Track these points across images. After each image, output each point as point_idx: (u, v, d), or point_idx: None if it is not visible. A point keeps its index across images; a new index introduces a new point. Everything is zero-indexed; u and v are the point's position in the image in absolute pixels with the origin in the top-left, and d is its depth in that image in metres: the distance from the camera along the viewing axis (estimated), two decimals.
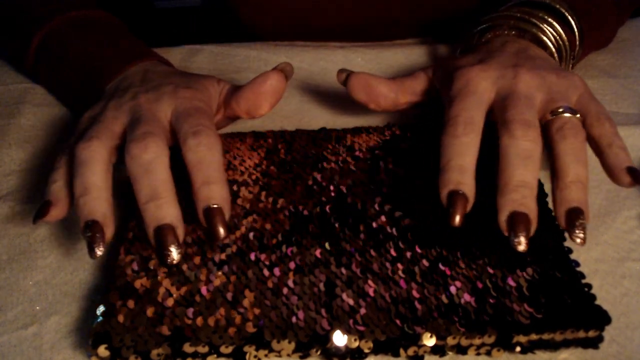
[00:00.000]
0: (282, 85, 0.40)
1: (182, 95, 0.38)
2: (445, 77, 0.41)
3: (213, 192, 0.33)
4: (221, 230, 0.33)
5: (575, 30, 0.45)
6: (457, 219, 0.32)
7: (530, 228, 0.32)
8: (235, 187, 0.39)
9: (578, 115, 0.36)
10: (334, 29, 0.53)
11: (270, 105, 0.40)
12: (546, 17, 0.44)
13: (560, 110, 0.36)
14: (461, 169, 0.34)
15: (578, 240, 0.32)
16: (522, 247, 0.32)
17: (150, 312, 0.31)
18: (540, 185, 0.39)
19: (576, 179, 0.33)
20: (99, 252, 0.32)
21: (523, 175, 0.33)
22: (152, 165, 0.33)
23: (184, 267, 0.34)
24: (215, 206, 0.33)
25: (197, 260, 0.34)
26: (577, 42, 0.46)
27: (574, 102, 0.37)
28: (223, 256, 0.34)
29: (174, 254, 0.32)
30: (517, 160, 0.33)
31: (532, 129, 0.34)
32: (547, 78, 0.38)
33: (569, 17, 0.45)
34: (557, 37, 0.44)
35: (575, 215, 0.32)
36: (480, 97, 0.37)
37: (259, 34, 0.60)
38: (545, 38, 0.44)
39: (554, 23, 0.44)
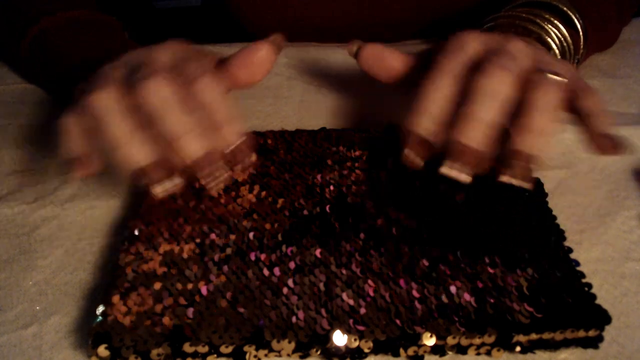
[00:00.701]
0: (272, 57, 0.39)
1: (176, 43, 0.38)
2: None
3: (231, 130, 0.35)
4: (252, 156, 0.35)
5: (580, 31, 0.45)
6: (411, 156, 0.34)
7: (476, 163, 0.33)
8: (235, 187, 0.39)
9: (560, 79, 0.35)
10: (333, 29, 0.54)
11: (260, 76, 0.40)
12: (551, 18, 0.44)
13: (544, 70, 0.35)
14: (430, 113, 0.34)
15: (502, 178, 0.33)
16: (445, 171, 0.33)
17: (150, 311, 0.31)
18: (540, 185, 0.39)
19: (536, 130, 0.33)
20: (161, 189, 0.34)
21: (480, 111, 0.33)
22: (169, 102, 0.33)
23: (184, 267, 0.34)
24: (233, 142, 0.35)
25: (197, 260, 0.34)
26: (582, 44, 0.46)
27: (563, 71, 0.36)
28: (223, 256, 0.34)
29: (222, 176, 0.34)
30: (481, 96, 0.33)
31: (507, 73, 0.33)
32: (539, 53, 0.37)
33: (574, 19, 0.45)
34: (562, 39, 0.44)
35: (520, 158, 0.33)
36: (465, 54, 0.36)
37: (257, 33, 0.60)
38: (549, 39, 0.44)
39: (559, 24, 0.44)
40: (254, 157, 0.34)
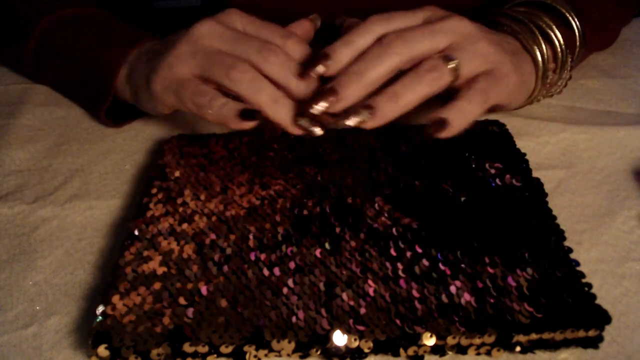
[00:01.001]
0: (311, 31, 0.44)
1: (235, 11, 0.41)
2: None
3: (305, 79, 0.38)
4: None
5: (577, 32, 0.45)
6: (316, 111, 0.36)
7: (334, 104, 0.36)
8: (235, 187, 0.39)
9: (451, 65, 0.37)
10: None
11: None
12: (545, 18, 0.44)
13: (442, 55, 0.38)
14: (346, 42, 0.38)
15: (346, 121, 0.36)
16: (314, 111, 0.36)
17: (150, 311, 0.31)
18: (540, 185, 0.39)
19: (392, 91, 0.36)
20: (319, 130, 0.37)
21: (363, 67, 0.37)
22: (257, 80, 0.37)
23: (184, 267, 0.34)
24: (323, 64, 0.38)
25: (197, 260, 0.34)
26: (578, 43, 0.46)
27: (474, 67, 0.39)
28: (223, 256, 0.34)
29: (317, 130, 0.37)
30: (368, 57, 0.37)
31: (401, 42, 0.37)
32: (478, 39, 0.39)
33: (570, 18, 0.45)
34: (555, 42, 0.44)
35: (362, 107, 0.36)
36: (407, 20, 0.39)
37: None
38: (533, 45, 0.43)
39: (552, 24, 0.44)
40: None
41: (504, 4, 0.48)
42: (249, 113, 0.37)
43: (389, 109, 0.36)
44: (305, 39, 0.43)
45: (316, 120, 0.36)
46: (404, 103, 0.36)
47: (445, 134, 0.36)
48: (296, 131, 0.37)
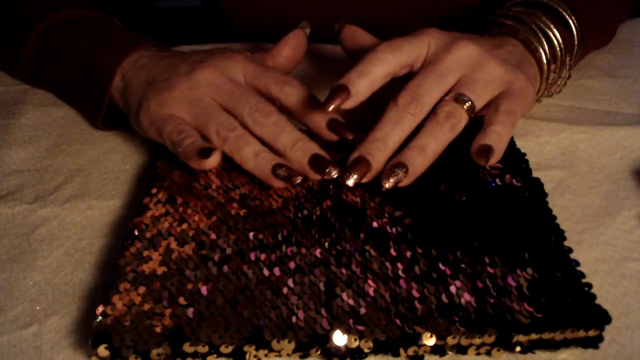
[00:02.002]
0: (305, 39, 0.47)
1: (239, 59, 0.42)
2: None
3: (325, 112, 0.39)
4: (348, 133, 0.39)
5: (574, 30, 0.45)
6: (352, 183, 0.37)
7: (366, 174, 0.37)
8: (235, 188, 0.39)
9: (467, 106, 0.38)
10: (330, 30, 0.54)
11: (300, 56, 0.47)
12: (543, 17, 0.44)
13: (454, 96, 0.39)
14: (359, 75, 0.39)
15: (384, 185, 0.37)
16: (349, 183, 0.37)
17: (150, 311, 0.31)
18: (540, 185, 0.39)
19: (420, 145, 0.37)
20: (299, 179, 0.37)
21: (385, 134, 0.38)
22: (280, 123, 0.39)
23: (184, 267, 0.34)
24: (333, 118, 0.40)
25: (197, 260, 0.34)
26: (576, 43, 0.46)
27: (489, 94, 0.40)
28: (223, 256, 0.34)
29: (333, 171, 0.37)
30: (388, 122, 0.38)
31: (415, 103, 0.38)
32: (486, 61, 0.40)
33: (568, 18, 0.45)
34: (553, 40, 0.44)
35: (396, 167, 0.37)
36: (386, 63, 0.40)
37: (250, 35, 0.60)
38: (534, 40, 0.43)
39: (550, 24, 0.44)
40: (350, 134, 0.39)
41: (502, 3, 0.48)
42: (205, 151, 0.38)
43: (420, 164, 0.37)
44: (300, 48, 0.46)
45: (293, 172, 0.37)
46: (431, 155, 0.38)
47: (492, 160, 0.38)
48: (276, 183, 0.38)
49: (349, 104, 0.38)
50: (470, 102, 0.38)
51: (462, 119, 0.38)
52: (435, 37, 0.41)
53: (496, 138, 0.38)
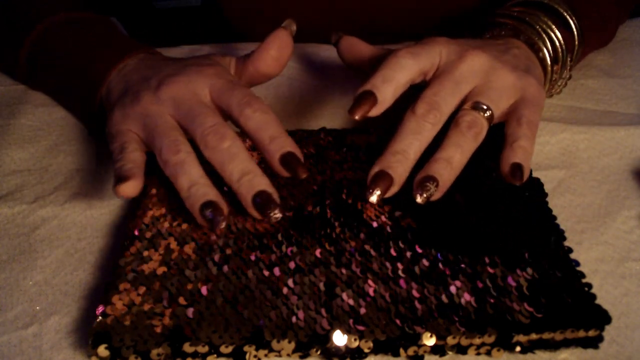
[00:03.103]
0: (290, 40, 0.43)
1: (209, 73, 0.40)
2: None
3: (282, 142, 0.36)
4: (301, 170, 0.36)
5: (575, 30, 0.45)
6: (375, 199, 0.36)
7: (389, 188, 0.36)
8: (281, 212, 0.39)
9: (487, 115, 0.37)
10: (329, 30, 0.54)
11: (285, 61, 0.43)
12: (544, 18, 0.44)
13: (473, 105, 0.38)
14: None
15: (417, 200, 0.35)
16: (372, 199, 0.35)
17: (150, 311, 0.31)
18: (540, 185, 0.39)
19: (446, 157, 0.36)
20: (223, 224, 0.35)
21: (406, 146, 0.36)
22: (233, 149, 0.36)
23: (184, 267, 0.34)
24: (288, 151, 0.36)
25: (197, 260, 0.34)
26: (577, 43, 0.46)
27: (506, 102, 0.39)
28: (223, 256, 0.34)
29: (277, 214, 0.35)
30: (407, 133, 0.36)
31: (434, 112, 0.37)
32: (498, 69, 0.39)
33: (568, 18, 0.45)
34: (554, 40, 0.44)
35: (427, 181, 0.35)
36: (408, 69, 0.38)
37: (249, 34, 0.60)
38: (538, 40, 0.44)
39: (551, 24, 0.44)
40: (303, 172, 0.36)
41: (501, 3, 0.48)
42: (119, 180, 0.36)
43: (448, 176, 0.36)
44: (285, 49, 0.42)
45: (217, 218, 0.35)
46: (458, 166, 0.36)
47: (525, 176, 0.36)
48: (202, 223, 0.35)
49: (375, 111, 0.37)
50: (490, 111, 0.37)
51: (484, 128, 0.37)
52: (446, 46, 0.40)
53: (524, 154, 0.37)
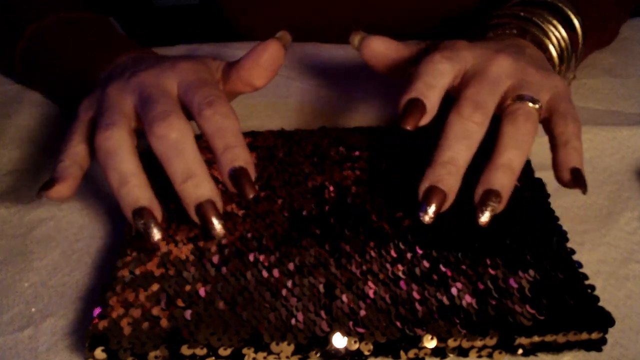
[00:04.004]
0: (281, 53, 0.39)
1: (183, 67, 0.37)
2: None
3: (236, 155, 0.34)
4: (249, 189, 0.33)
5: (579, 30, 0.45)
6: (429, 217, 0.34)
7: (443, 203, 0.33)
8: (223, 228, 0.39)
9: (537, 106, 0.35)
10: (328, 29, 0.54)
11: (272, 74, 0.39)
12: (549, 17, 0.44)
13: (521, 97, 0.35)
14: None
15: (480, 219, 0.33)
16: (427, 219, 0.33)
17: (147, 314, 0.31)
18: (542, 185, 0.39)
19: (507, 163, 0.33)
20: (157, 235, 0.33)
21: (455, 153, 0.34)
22: (180, 144, 0.33)
23: (182, 268, 0.33)
24: (239, 166, 0.33)
25: (195, 261, 0.34)
26: (580, 42, 0.46)
27: (544, 98, 0.37)
28: (221, 257, 0.34)
29: (218, 227, 0.33)
30: (455, 138, 0.34)
31: (480, 111, 0.34)
32: (526, 69, 0.37)
33: (573, 17, 0.45)
34: (559, 38, 0.44)
35: (489, 197, 0.33)
36: (448, 75, 0.36)
37: (250, 34, 0.60)
38: (545, 39, 0.43)
39: (557, 23, 0.44)
40: (250, 192, 0.33)
41: (501, 3, 0.48)
42: (48, 183, 0.34)
43: (509, 184, 0.33)
44: (274, 61, 0.39)
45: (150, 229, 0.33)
46: (519, 169, 0.34)
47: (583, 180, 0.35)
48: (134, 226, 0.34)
49: (426, 120, 0.35)
50: (538, 103, 0.35)
51: (537, 120, 0.35)
52: (471, 50, 0.38)
53: (579, 156, 0.35)
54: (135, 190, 0.33)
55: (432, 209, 0.33)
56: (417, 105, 0.34)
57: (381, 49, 0.40)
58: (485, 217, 0.33)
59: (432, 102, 0.35)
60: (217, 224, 0.33)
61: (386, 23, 0.60)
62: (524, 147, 0.34)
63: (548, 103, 0.37)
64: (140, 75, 0.37)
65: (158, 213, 0.33)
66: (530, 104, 0.35)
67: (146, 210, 0.33)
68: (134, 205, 0.33)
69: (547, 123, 0.37)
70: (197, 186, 0.33)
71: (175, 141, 0.33)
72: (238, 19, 0.62)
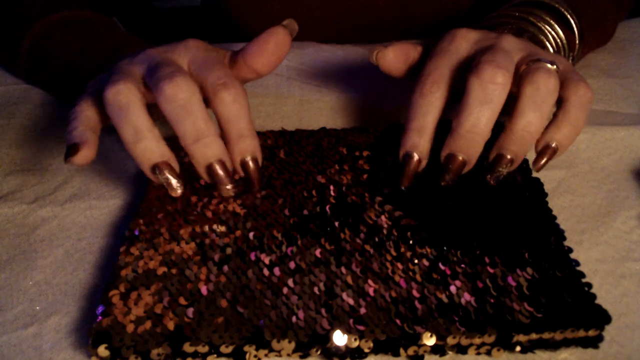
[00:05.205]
0: (288, 39, 0.39)
1: (194, 45, 0.38)
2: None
3: (247, 144, 0.35)
4: (255, 181, 0.36)
5: (575, 30, 0.45)
6: (407, 179, 0.37)
7: (462, 170, 0.35)
8: (234, 188, 0.39)
9: (555, 67, 0.34)
10: (330, 29, 0.54)
11: (278, 61, 0.39)
12: (545, 17, 0.44)
13: (538, 59, 0.35)
14: (420, 130, 0.36)
15: (490, 181, 0.35)
16: (443, 183, 0.36)
17: (150, 311, 0.31)
18: (540, 185, 0.39)
19: (525, 128, 0.33)
20: (179, 188, 0.34)
21: (478, 120, 0.33)
22: (189, 104, 0.33)
23: (184, 267, 0.34)
24: (250, 158, 0.35)
25: (197, 259, 0.34)
26: (577, 42, 0.46)
27: (560, 65, 0.36)
28: (223, 256, 0.34)
29: (228, 186, 0.35)
30: (477, 103, 0.33)
31: (501, 71, 0.33)
32: (531, 46, 0.37)
33: (569, 17, 0.45)
34: (556, 38, 0.44)
35: (499, 162, 0.34)
36: (456, 56, 0.37)
37: (251, 35, 0.60)
38: (543, 38, 0.44)
39: (553, 23, 0.44)
40: (258, 182, 0.36)
41: (500, 3, 0.48)
42: (71, 148, 0.34)
43: (523, 149, 0.34)
44: (281, 47, 0.39)
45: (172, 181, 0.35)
46: (537, 133, 0.34)
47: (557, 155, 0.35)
48: (153, 179, 0.35)
49: (422, 167, 0.37)
50: (556, 64, 0.34)
51: (558, 80, 0.34)
52: (471, 35, 0.38)
53: (568, 131, 0.35)
54: (153, 145, 0.33)
55: (451, 176, 0.35)
56: (410, 162, 0.37)
57: (391, 58, 0.40)
58: (494, 180, 0.34)
59: (423, 149, 0.36)
60: (228, 184, 0.34)
61: (386, 21, 0.60)
62: (544, 108, 0.33)
63: (562, 72, 0.36)
64: (150, 51, 0.37)
65: (176, 166, 0.34)
66: (547, 63, 0.34)
67: (166, 165, 0.34)
68: (153, 161, 0.33)
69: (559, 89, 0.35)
70: (206, 146, 0.33)
71: (184, 101, 0.33)
72: (237, 14, 0.62)
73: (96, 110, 0.37)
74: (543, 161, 0.35)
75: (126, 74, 0.35)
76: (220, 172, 0.34)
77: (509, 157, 0.34)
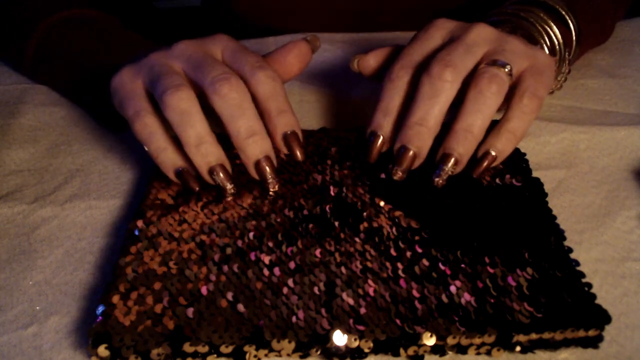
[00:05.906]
0: (309, 53, 0.42)
1: (223, 37, 0.40)
2: None
3: (288, 119, 0.37)
4: (299, 152, 0.38)
5: (572, 28, 0.46)
6: (372, 156, 0.39)
7: (413, 163, 0.37)
8: (235, 188, 0.39)
9: (506, 69, 0.36)
10: (333, 24, 0.54)
11: (297, 72, 0.42)
12: (543, 15, 0.44)
13: (493, 61, 0.36)
14: (385, 111, 0.38)
15: (436, 180, 0.37)
16: (396, 177, 0.37)
17: (150, 311, 0.31)
18: (540, 185, 0.39)
19: (466, 128, 0.36)
20: (232, 190, 0.37)
21: (425, 113, 0.36)
22: (243, 103, 0.36)
23: (184, 267, 0.34)
24: (292, 130, 0.37)
25: (197, 260, 0.34)
26: (574, 41, 0.46)
27: (521, 65, 0.38)
28: (223, 256, 0.34)
29: (273, 182, 0.37)
30: (424, 98, 0.36)
31: (450, 69, 0.35)
32: (506, 37, 0.38)
33: (566, 16, 0.45)
34: (553, 36, 0.44)
35: (444, 160, 0.36)
36: (428, 44, 0.39)
37: (250, 23, 0.60)
38: (538, 36, 0.44)
39: (550, 22, 0.44)
40: (300, 154, 0.38)
41: (494, 3, 0.48)
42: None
43: (468, 148, 0.36)
44: (302, 58, 0.41)
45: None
46: (480, 132, 0.36)
47: (499, 161, 0.37)
48: (207, 178, 0.37)
49: (387, 146, 0.40)
50: (509, 66, 0.36)
51: (505, 84, 0.36)
52: (448, 24, 0.40)
53: (507, 141, 0.37)
54: (213, 148, 0.36)
55: (401, 169, 0.37)
56: (375, 140, 0.39)
57: (371, 63, 0.43)
58: (439, 179, 0.37)
59: (387, 129, 0.39)
60: (272, 180, 0.37)
61: (384, 16, 0.60)
62: (485, 110, 0.35)
63: (521, 72, 0.38)
64: (182, 44, 0.39)
65: (229, 170, 0.37)
66: (500, 68, 0.36)
67: (222, 168, 0.36)
68: (212, 163, 0.36)
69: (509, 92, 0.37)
70: (257, 143, 0.36)
71: (239, 100, 0.35)
72: (245, 13, 0.62)
73: (158, 117, 0.37)
74: (482, 167, 0.37)
75: (177, 76, 0.37)
76: (268, 168, 0.37)
77: (453, 155, 0.36)
